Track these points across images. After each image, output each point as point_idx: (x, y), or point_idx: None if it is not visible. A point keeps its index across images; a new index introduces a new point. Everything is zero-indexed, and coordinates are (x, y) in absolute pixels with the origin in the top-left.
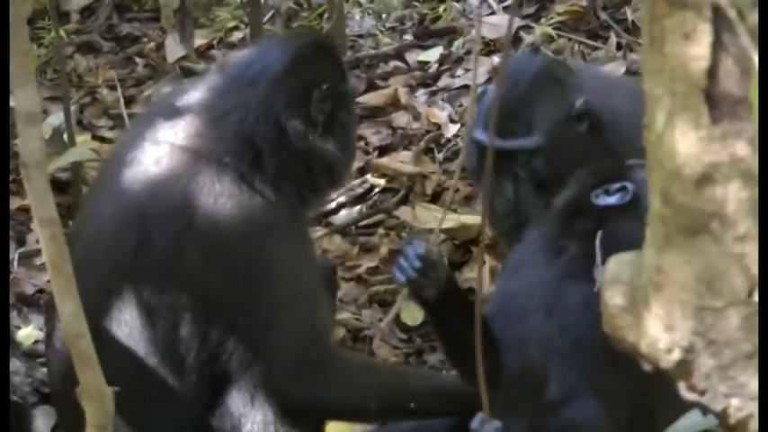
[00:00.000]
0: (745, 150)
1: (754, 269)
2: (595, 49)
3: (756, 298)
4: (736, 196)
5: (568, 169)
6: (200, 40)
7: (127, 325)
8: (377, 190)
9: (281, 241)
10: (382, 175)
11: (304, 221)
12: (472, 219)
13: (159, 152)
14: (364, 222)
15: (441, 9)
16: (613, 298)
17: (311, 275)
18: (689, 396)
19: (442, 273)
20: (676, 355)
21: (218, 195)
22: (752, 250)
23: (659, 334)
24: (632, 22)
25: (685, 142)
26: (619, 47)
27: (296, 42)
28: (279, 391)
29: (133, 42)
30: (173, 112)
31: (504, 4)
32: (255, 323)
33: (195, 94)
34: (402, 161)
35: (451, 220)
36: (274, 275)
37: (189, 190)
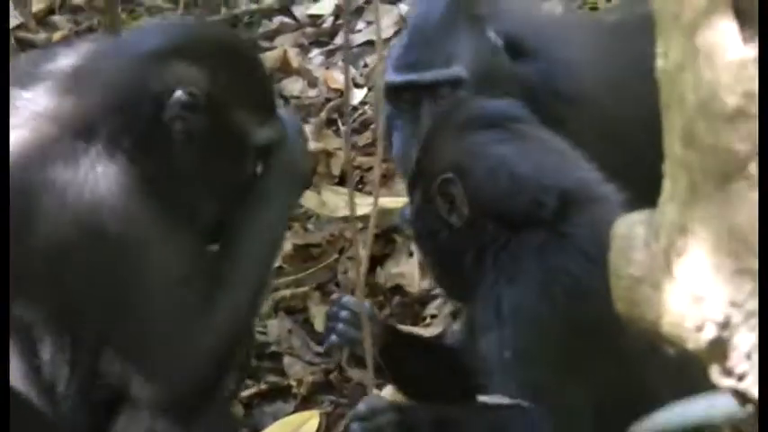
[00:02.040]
0: None
1: None
2: None
3: None
4: None
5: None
6: (36, 5)
7: None
8: None
9: (154, 237)
10: None
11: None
12: (393, 202)
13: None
14: None
15: None
16: (626, 267)
17: (193, 277)
18: (724, 382)
19: (376, 327)
20: (708, 332)
21: (72, 174)
22: None
23: (686, 308)
24: None
25: (712, 69)
26: None
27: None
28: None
29: None
30: (35, 77)
31: None
32: (127, 341)
33: (65, 58)
34: None
35: (368, 205)
36: (144, 282)
37: (36, 161)
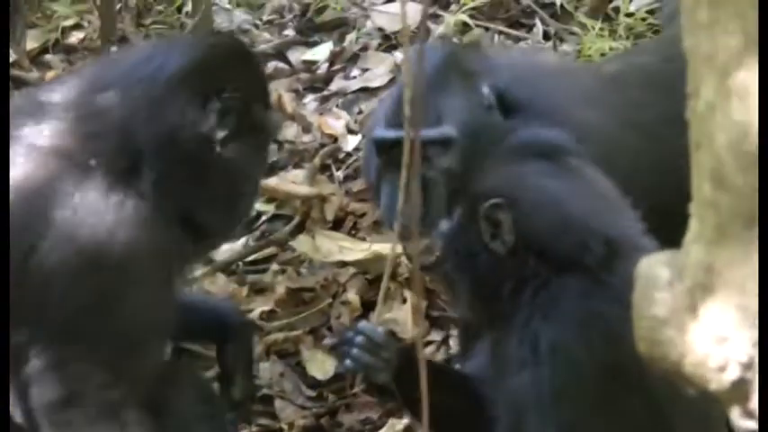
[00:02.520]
0: None
1: None
2: (519, 39)
3: None
4: None
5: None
6: (30, 44)
7: None
8: (264, 218)
9: (143, 274)
10: (270, 200)
11: (182, 254)
12: (386, 248)
13: (14, 152)
14: (252, 257)
15: None
16: (649, 307)
17: (161, 333)
18: (745, 424)
19: (392, 353)
20: (732, 372)
21: (74, 205)
22: None
23: (709, 348)
24: (561, 6)
25: (744, 110)
26: (546, 36)
27: (204, 41)
28: None
29: None
30: (37, 108)
31: None
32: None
33: (68, 89)
34: (294, 182)
35: (362, 251)
36: (123, 314)
37: (38, 196)
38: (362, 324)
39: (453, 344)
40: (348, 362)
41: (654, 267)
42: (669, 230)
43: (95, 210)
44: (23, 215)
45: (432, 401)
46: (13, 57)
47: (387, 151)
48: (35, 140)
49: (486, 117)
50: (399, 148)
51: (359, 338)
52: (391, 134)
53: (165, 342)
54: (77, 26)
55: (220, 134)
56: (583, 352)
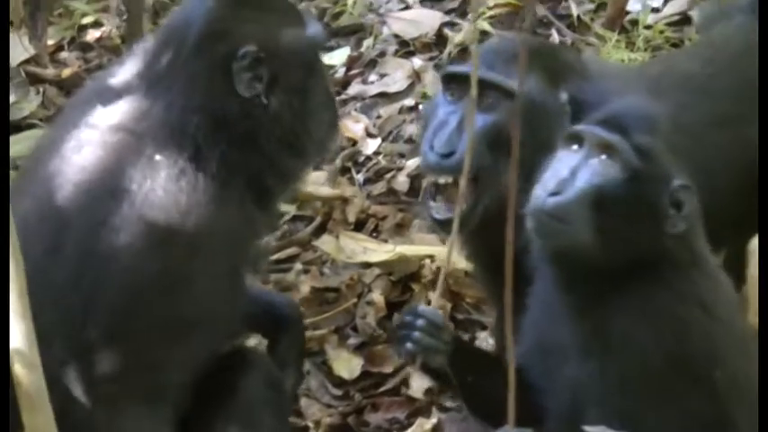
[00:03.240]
0: None
1: None
2: None
3: None
4: None
5: (529, 141)
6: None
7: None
8: (286, 218)
9: (214, 253)
10: (291, 200)
11: (255, 227)
12: (410, 249)
13: (85, 143)
14: (275, 257)
15: (345, 3)
16: None
17: (231, 300)
18: None
19: (449, 337)
20: None
21: (150, 191)
22: None
23: None
24: (578, 17)
25: None
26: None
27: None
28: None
29: None
30: (106, 96)
31: None
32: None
33: (130, 71)
34: (315, 183)
35: (386, 252)
36: (190, 292)
37: (111, 187)
38: (422, 307)
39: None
40: (409, 344)
41: None
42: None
43: (166, 189)
44: (93, 192)
45: (481, 386)
46: (30, 52)
47: (450, 84)
48: (104, 123)
49: (551, 113)
50: (459, 81)
51: (420, 321)
52: (462, 69)
53: (231, 330)
54: (95, 24)
55: (259, 88)
56: (653, 346)
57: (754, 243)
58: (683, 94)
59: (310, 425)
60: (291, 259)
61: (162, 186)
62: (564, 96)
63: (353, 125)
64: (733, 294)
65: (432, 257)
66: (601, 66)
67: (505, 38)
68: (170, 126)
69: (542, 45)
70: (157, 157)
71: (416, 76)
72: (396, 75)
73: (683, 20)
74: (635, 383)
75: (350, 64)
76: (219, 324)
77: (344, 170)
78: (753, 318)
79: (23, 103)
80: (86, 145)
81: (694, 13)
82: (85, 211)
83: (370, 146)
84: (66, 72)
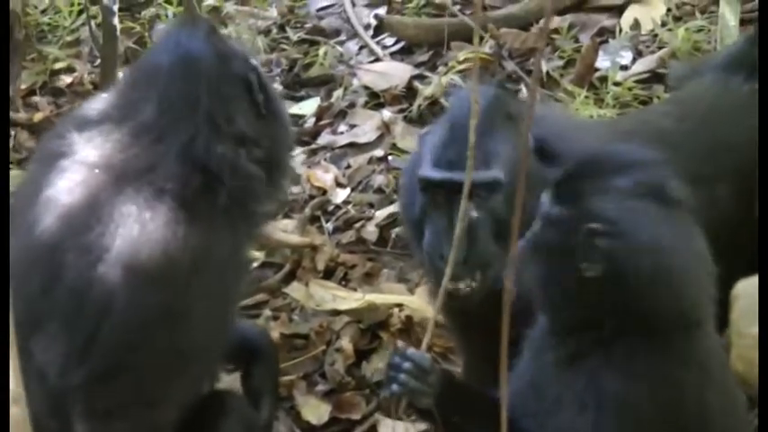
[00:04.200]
0: None
1: None
2: None
3: None
4: None
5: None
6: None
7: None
8: (255, 264)
9: (210, 285)
10: (260, 247)
11: (246, 245)
12: (378, 298)
13: (77, 176)
14: (244, 303)
15: (316, 54)
16: (750, 326)
17: (223, 331)
18: None
19: (436, 380)
20: None
21: (145, 226)
22: None
23: None
24: (547, 73)
25: None
26: None
27: (200, 28)
28: None
29: None
30: (93, 128)
31: (391, 49)
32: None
33: (116, 106)
34: (284, 231)
35: (355, 300)
36: (189, 325)
37: (109, 220)
38: (411, 351)
39: None
40: (395, 386)
41: (755, 287)
42: None
43: (157, 222)
44: (83, 230)
45: (468, 424)
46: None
47: (433, 191)
48: (94, 162)
49: (531, 162)
50: (445, 189)
51: (407, 364)
52: (438, 174)
53: (218, 363)
54: (68, 69)
55: (262, 104)
56: (649, 412)
57: (737, 288)
58: (655, 149)
59: None
60: (260, 306)
61: (153, 219)
62: (531, 140)
63: (323, 175)
64: (721, 350)
65: (400, 306)
66: (567, 117)
67: (454, 120)
68: (159, 158)
69: (500, 92)
70: (147, 190)
71: (386, 128)
72: (365, 126)
73: (652, 77)
74: None
75: (320, 114)
76: (213, 355)
77: (314, 219)
78: (736, 363)
79: None
80: (73, 183)
81: (667, 71)
82: (78, 249)
83: (340, 195)
84: (38, 116)
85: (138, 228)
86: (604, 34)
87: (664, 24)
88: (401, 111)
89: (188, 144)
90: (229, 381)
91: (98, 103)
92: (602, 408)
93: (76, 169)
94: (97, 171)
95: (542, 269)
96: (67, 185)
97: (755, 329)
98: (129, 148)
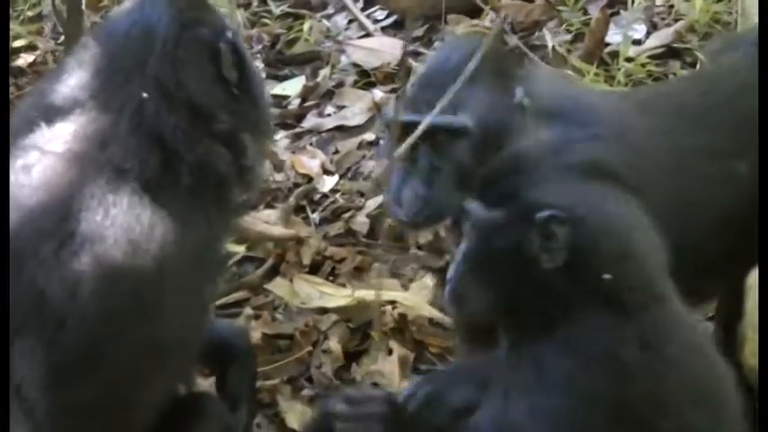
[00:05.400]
0: None
1: None
2: None
3: None
4: None
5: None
6: None
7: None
8: (235, 259)
9: (182, 273)
10: (240, 240)
11: (221, 235)
12: (369, 295)
13: (36, 159)
14: (222, 301)
15: (300, 28)
16: None
17: (198, 327)
18: None
19: (381, 406)
20: None
21: (107, 212)
22: None
23: None
24: (553, 48)
25: None
26: None
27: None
28: None
29: None
30: (48, 108)
31: (383, 23)
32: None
33: (74, 81)
34: (266, 222)
35: (344, 297)
36: (161, 318)
37: (66, 207)
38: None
39: None
40: None
41: None
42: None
43: (128, 211)
44: (52, 214)
45: None
46: None
47: (401, 134)
48: (49, 145)
49: (509, 117)
50: (409, 131)
51: (340, 407)
52: (403, 117)
53: (193, 362)
54: (29, 47)
55: (234, 77)
56: (594, 391)
57: (752, 277)
58: (674, 119)
59: None
60: (240, 304)
61: (124, 205)
62: (519, 93)
63: (309, 161)
64: (698, 336)
65: (393, 303)
66: (576, 83)
67: (437, 58)
68: (131, 141)
69: (498, 49)
70: (118, 175)
71: (377, 109)
72: (354, 107)
73: (668, 53)
74: (569, 428)
75: (305, 95)
76: (188, 352)
77: (299, 209)
78: (750, 358)
79: None
80: (38, 168)
81: (684, 46)
82: (38, 236)
83: (327, 183)
84: None
85: (101, 212)
86: (615, 5)
87: None
88: (393, 90)
89: (137, 111)
90: (206, 386)
91: (54, 78)
92: (542, 389)
93: (35, 152)
94: (57, 152)
95: (491, 280)
96: (26, 169)
97: None
98: (85, 123)
